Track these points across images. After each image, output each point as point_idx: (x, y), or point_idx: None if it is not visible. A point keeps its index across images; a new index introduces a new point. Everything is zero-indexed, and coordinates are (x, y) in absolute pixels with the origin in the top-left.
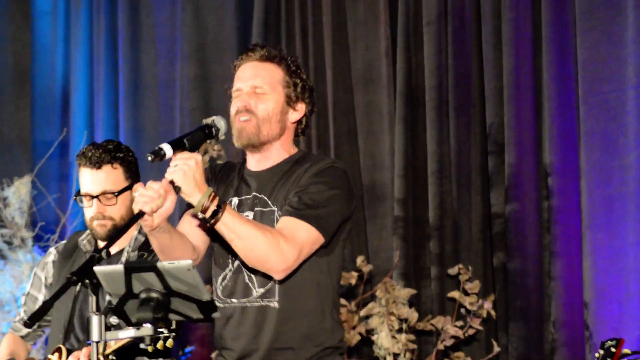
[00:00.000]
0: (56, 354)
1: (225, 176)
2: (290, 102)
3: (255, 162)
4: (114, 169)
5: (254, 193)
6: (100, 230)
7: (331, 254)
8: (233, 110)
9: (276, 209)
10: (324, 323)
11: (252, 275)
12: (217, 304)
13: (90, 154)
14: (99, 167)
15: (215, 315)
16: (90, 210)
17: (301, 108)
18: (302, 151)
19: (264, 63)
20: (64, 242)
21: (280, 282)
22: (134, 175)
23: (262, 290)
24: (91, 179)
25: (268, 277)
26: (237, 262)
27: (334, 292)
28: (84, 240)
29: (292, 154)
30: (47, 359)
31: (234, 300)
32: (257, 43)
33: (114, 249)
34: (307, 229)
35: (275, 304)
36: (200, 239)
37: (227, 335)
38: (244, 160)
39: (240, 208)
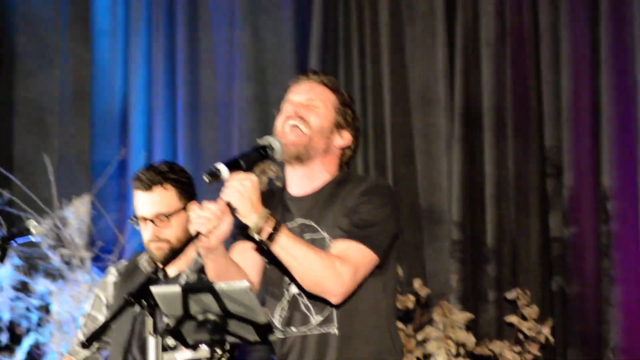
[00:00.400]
0: None
1: (268, 203)
2: (338, 126)
3: (297, 183)
4: (166, 190)
5: (300, 220)
6: (158, 253)
7: (385, 274)
8: (282, 117)
9: (326, 235)
10: (386, 343)
11: (309, 304)
12: (278, 334)
13: (142, 176)
14: (150, 189)
15: (272, 338)
16: (146, 233)
17: (347, 138)
18: (344, 172)
19: (320, 85)
20: (124, 262)
21: (338, 307)
22: (189, 196)
23: (320, 317)
24: (144, 202)
25: (325, 304)
26: (292, 292)
27: (391, 311)
28: (144, 261)
29: (334, 177)
30: None
31: (293, 329)
32: (315, 69)
33: (173, 272)
34: (360, 249)
35: (335, 330)
36: (253, 272)
37: None
38: (284, 185)
39: None
